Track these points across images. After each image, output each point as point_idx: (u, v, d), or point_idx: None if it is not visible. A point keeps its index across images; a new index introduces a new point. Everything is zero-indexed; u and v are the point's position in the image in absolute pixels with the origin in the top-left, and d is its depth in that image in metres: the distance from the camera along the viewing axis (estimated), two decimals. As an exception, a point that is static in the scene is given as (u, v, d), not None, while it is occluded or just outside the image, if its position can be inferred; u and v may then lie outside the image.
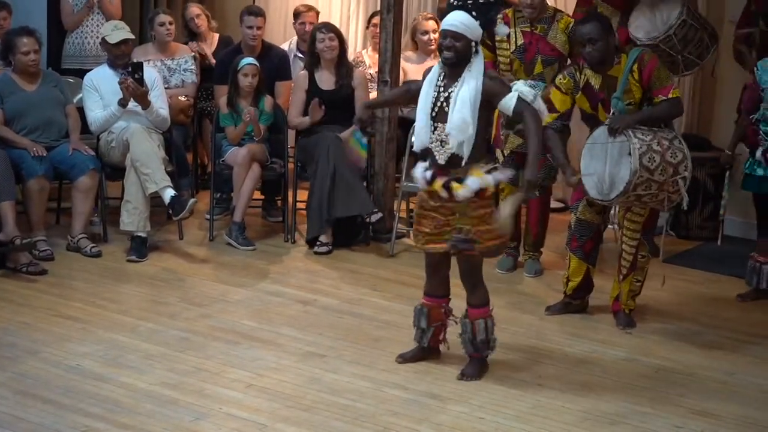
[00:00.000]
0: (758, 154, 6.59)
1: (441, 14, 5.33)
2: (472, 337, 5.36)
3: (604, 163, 5.86)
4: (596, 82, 6.03)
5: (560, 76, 6.24)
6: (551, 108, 6.12)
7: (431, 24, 8.43)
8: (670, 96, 5.89)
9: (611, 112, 5.94)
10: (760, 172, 6.60)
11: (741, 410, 5.16)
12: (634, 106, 5.95)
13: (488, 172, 5.21)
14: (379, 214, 7.53)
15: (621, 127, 5.81)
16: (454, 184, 5.18)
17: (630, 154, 5.70)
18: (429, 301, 5.52)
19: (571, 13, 7.42)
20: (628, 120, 5.85)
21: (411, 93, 5.52)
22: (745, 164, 6.73)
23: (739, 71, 7.85)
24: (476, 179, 5.16)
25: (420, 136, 5.26)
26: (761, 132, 6.59)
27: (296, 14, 9.16)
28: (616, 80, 5.94)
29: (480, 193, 5.19)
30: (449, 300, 5.53)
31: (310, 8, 9.23)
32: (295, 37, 9.25)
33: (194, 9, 8.98)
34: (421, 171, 5.33)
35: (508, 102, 5.13)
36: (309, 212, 7.62)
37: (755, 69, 6.62)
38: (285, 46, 9.34)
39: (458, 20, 5.12)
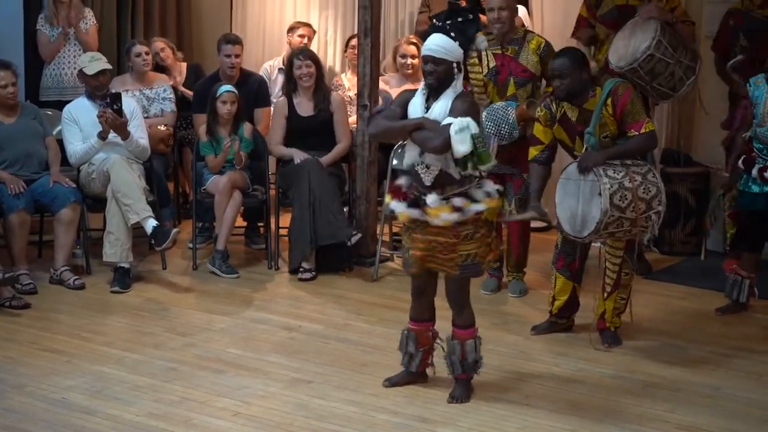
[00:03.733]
0: (754, 171, 6.62)
1: (423, 37, 5.39)
2: (461, 358, 5.37)
3: (577, 200, 5.90)
4: (573, 115, 6.06)
5: (538, 108, 6.27)
6: (536, 141, 6.20)
7: (411, 48, 8.48)
8: (642, 131, 5.91)
9: (584, 147, 5.99)
10: (755, 188, 6.63)
11: (728, 424, 5.19)
12: (611, 139, 5.98)
13: (456, 207, 5.20)
14: (358, 235, 7.53)
15: (590, 166, 5.84)
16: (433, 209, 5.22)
17: (600, 194, 5.75)
18: (415, 325, 5.53)
19: (540, 32, 7.52)
20: (597, 158, 5.86)
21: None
22: (739, 181, 6.76)
23: (719, 87, 7.92)
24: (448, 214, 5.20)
25: (407, 156, 5.30)
26: (755, 149, 6.63)
27: (291, 28, 9.28)
28: (593, 113, 5.99)
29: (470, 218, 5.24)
30: (434, 323, 5.56)
31: (307, 24, 9.38)
32: (280, 56, 9.33)
33: (158, 43, 9.07)
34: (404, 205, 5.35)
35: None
36: (290, 241, 7.66)
37: (748, 86, 6.66)
38: (269, 64, 9.43)
39: (437, 44, 5.16)
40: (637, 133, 5.91)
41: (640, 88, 6.59)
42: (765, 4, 7.47)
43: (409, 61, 8.43)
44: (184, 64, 9.15)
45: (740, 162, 6.70)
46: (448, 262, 5.29)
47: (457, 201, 5.19)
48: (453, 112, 5.12)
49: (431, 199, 5.19)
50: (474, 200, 5.21)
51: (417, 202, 5.26)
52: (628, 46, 6.76)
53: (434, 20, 5.30)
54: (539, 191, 6.23)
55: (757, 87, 6.59)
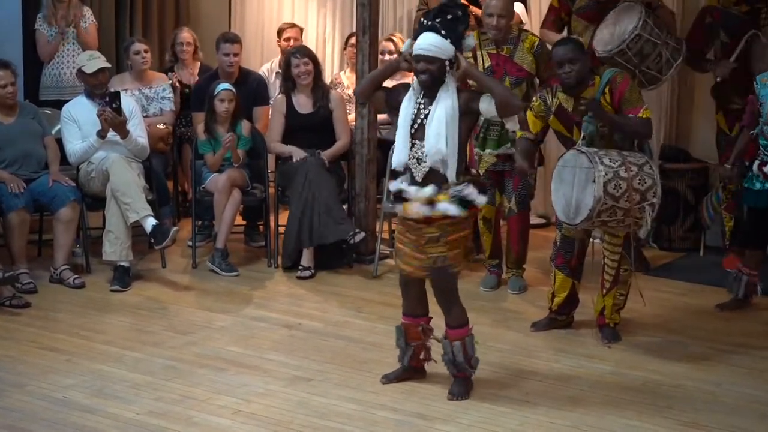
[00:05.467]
0: (755, 167, 6.61)
1: (415, 35, 5.34)
2: (452, 357, 5.37)
3: (572, 187, 5.90)
4: (569, 105, 6.06)
5: (534, 98, 6.27)
6: (525, 126, 6.18)
7: (388, 45, 8.60)
8: (640, 116, 5.91)
9: (582, 136, 5.98)
10: (758, 185, 6.62)
11: (729, 420, 5.18)
12: (609, 127, 5.98)
13: (454, 196, 5.20)
14: (362, 234, 7.53)
15: (593, 110, 5.85)
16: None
17: (595, 181, 5.75)
18: (407, 320, 5.53)
19: (538, 29, 7.52)
20: (601, 111, 5.85)
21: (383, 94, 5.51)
22: (745, 178, 6.75)
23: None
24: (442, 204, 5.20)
25: (399, 153, 5.28)
26: (760, 146, 6.62)
27: (280, 31, 9.27)
28: None
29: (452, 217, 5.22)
30: (430, 319, 5.54)
31: (293, 25, 9.35)
32: (277, 58, 9.32)
33: (186, 35, 8.99)
34: (394, 187, 5.36)
35: (483, 100, 5.16)
36: (285, 238, 7.65)
37: (755, 84, 6.64)
38: (266, 66, 9.41)
39: (429, 43, 5.13)
40: (635, 117, 5.92)
41: (630, 73, 6.56)
42: (740, 0, 7.48)
43: (387, 57, 8.41)
44: (198, 63, 9.09)
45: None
46: (416, 261, 5.30)
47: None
48: (480, 98, 5.18)
49: (413, 189, 5.23)
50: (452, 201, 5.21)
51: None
52: (613, 32, 6.79)
53: (423, 19, 5.26)
54: (525, 159, 6.19)
55: (764, 86, 6.56)
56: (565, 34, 7.53)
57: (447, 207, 5.18)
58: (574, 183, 5.88)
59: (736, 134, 7.19)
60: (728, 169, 6.83)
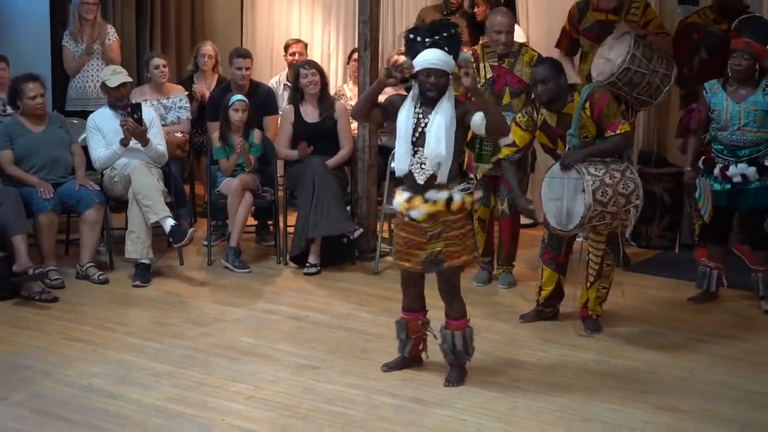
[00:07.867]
0: (716, 171, 6.62)
1: (409, 52, 5.27)
2: (452, 347, 5.38)
3: (562, 197, 5.92)
4: (552, 121, 6.07)
5: (520, 114, 6.27)
6: (512, 143, 6.19)
7: (399, 59, 8.51)
8: (618, 131, 5.92)
9: (567, 147, 6.00)
10: (716, 186, 6.63)
11: (703, 404, 5.19)
12: (591, 139, 5.99)
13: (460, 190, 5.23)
14: (360, 230, 7.52)
15: (570, 163, 5.87)
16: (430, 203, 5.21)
17: (584, 190, 5.76)
18: (407, 315, 5.53)
19: (536, 48, 7.54)
20: (576, 156, 5.88)
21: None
22: (700, 179, 6.76)
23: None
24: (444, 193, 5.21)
25: (401, 161, 5.24)
26: (713, 150, 6.64)
27: (286, 47, 9.28)
28: (571, 117, 5.98)
29: (453, 212, 5.22)
30: (426, 312, 5.55)
31: (298, 40, 9.36)
32: (284, 72, 9.33)
33: (208, 48, 8.97)
34: (398, 199, 5.33)
35: (477, 117, 5.16)
36: (294, 232, 7.67)
37: (703, 92, 6.65)
38: (275, 79, 9.41)
39: (437, 58, 5.10)
40: (613, 134, 5.93)
41: (622, 98, 6.61)
42: (718, 19, 7.49)
43: None
44: (216, 76, 9.09)
45: (700, 162, 6.71)
46: (413, 257, 5.30)
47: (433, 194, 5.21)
48: (464, 113, 5.18)
49: (429, 193, 5.20)
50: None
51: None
52: (606, 62, 6.83)
53: (412, 35, 5.17)
54: (519, 184, 6.25)
55: (714, 94, 6.57)
56: (577, 59, 7.64)
57: (462, 196, 5.21)
58: (563, 193, 5.90)
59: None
60: (690, 171, 6.81)
